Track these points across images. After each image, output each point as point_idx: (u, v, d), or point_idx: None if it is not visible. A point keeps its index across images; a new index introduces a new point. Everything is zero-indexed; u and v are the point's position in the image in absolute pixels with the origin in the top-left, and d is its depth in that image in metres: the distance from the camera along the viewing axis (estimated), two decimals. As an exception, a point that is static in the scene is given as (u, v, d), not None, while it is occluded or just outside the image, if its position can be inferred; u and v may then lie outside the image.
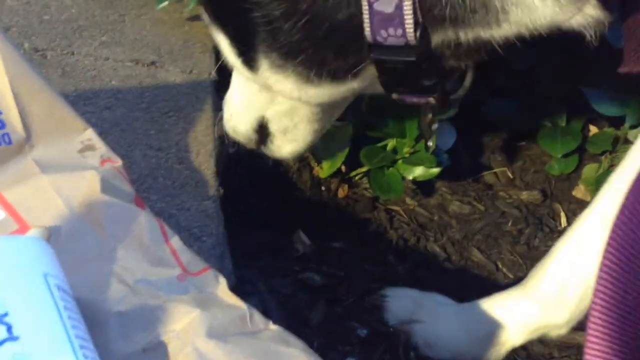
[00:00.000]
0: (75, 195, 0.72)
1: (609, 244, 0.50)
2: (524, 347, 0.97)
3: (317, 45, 0.68)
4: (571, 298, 0.89)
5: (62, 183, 0.73)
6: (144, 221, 0.71)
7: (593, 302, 0.49)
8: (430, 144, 1.05)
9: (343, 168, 1.16)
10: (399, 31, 0.64)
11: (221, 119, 0.96)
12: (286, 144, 0.90)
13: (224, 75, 1.00)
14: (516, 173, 1.33)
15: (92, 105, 1.02)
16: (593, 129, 1.33)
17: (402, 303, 0.98)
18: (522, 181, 1.32)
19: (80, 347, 0.48)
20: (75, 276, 0.61)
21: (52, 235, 0.67)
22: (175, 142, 1.01)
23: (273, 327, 0.60)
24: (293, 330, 0.87)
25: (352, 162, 1.16)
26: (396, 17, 0.63)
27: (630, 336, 0.47)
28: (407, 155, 1.08)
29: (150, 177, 0.93)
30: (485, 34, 0.66)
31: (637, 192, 0.51)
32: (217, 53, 1.08)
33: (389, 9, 0.63)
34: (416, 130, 1.06)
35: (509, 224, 1.23)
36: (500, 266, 1.17)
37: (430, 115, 0.97)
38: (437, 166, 1.09)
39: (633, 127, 1.22)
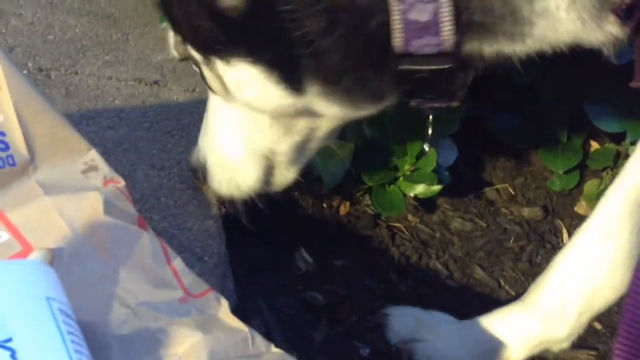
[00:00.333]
0: (78, 217, 0.73)
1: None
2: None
3: (358, 61, 0.68)
4: (571, 312, 0.90)
5: (65, 204, 0.74)
6: (147, 243, 0.72)
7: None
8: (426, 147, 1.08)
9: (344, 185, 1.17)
10: (435, 39, 0.64)
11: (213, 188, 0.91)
12: (290, 172, 0.89)
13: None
14: (517, 189, 1.33)
15: (95, 124, 1.03)
16: (594, 145, 1.34)
17: (404, 321, 0.98)
18: (523, 197, 1.32)
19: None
20: (77, 299, 0.62)
21: (55, 257, 0.67)
22: (178, 162, 1.01)
23: (275, 350, 0.60)
24: (296, 349, 0.87)
25: (354, 179, 1.16)
26: (432, 25, 0.63)
27: None
28: (408, 172, 1.08)
29: (152, 196, 0.93)
30: (508, 47, 0.67)
31: None
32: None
33: (424, 17, 0.63)
34: (417, 147, 1.06)
35: (511, 240, 1.23)
36: (502, 283, 1.17)
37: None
38: (438, 183, 1.10)
39: (634, 143, 1.22)
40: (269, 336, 0.76)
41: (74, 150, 0.80)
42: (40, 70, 1.16)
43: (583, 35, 0.65)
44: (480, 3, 0.63)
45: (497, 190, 1.33)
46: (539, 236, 1.25)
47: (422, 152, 1.05)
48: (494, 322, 0.94)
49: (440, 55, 0.65)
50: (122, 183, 0.80)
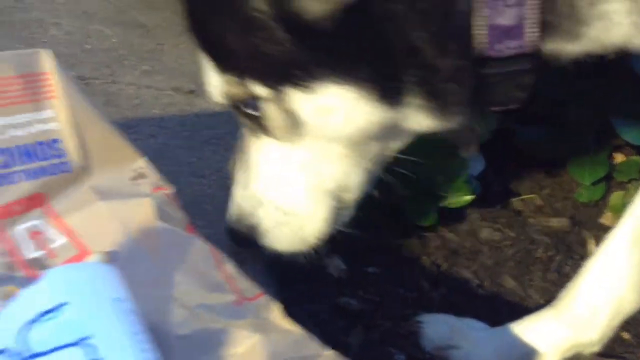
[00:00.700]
0: (132, 222, 0.75)
1: None
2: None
3: (457, 70, 0.67)
4: (602, 317, 0.92)
5: (119, 209, 0.76)
6: (198, 247, 0.74)
7: None
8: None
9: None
10: (518, 42, 0.65)
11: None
12: (353, 205, 0.84)
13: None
14: (545, 200, 1.35)
15: (136, 133, 1.06)
16: (620, 157, 1.36)
17: (438, 329, 1.00)
18: (550, 208, 1.34)
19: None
20: (136, 300, 0.64)
21: (111, 261, 0.70)
22: (217, 170, 1.04)
23: (327, 352, 0.62)
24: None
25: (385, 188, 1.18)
26: (516, 28, 0.65)
27: None
28: (441, 182, 1.10)
29: (195, 204, 0.96)
30: (564, 46, 0.69)
31: None
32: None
33: (509, 21, 0.64)
34: (451, 158, 1.08)
35: (539, 250, 1.25)
36: (531, 292, 1.18)
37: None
38: (470, 194, 1.12)
39: (659, 155, 1.24)
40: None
41: (124, 158, 0.83)
42: (81, 79, 1.19)
43: (634, 40, 0.67)
44: (552, 4, 0.65)
45: (525, 200, 1.35)
46: (566, 246, 1.26)
47: (456, 163, 1.06)
48: (526, 329, 0.96)
49: (520, 57, 0.66)
50: (170, 190, 0.83)
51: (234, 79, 0.72)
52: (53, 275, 0.53)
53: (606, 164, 1.30)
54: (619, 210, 1.25)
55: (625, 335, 1.07)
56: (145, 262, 0.71)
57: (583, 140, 1.30)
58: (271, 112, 0.73)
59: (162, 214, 0.77)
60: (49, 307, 0.50)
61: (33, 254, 0.70)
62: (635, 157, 1.33)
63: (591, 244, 1.27)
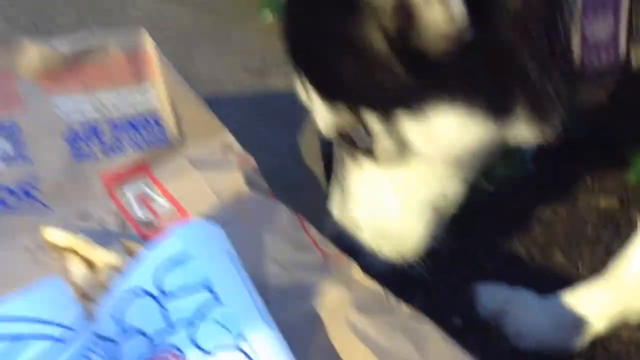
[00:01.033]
0: (224, 189, 0.83)
1: None
2: (603, 346, 1.05)
3: (561, 84, 0.72)
4: None
5: (212, 178, 0.84)
6: (283, 212, 0.82)
7: None
8: None
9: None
10: (610, 54, 0.70)
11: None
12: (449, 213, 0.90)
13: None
14: (595, 180, 1.40)
15: (213, 110, 1.13)
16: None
17: (492, 296, 1.06)
18: (600, 188, 1.39)
19: (265, 314, 0.59)
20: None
21: (208, 223, 0.78)
22: (288, 144, 1.11)
23: (404, 306, 0.70)
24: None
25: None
26: (610, 40, 0.69)
27: None
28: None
29: (270, 176, 1.03)
30: None
31: None
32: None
33: (603, 35, 0.69)
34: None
35: (589, 228, 1.30)
36: (580, 268, 1.24)
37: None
38: (524, 171, 1.17)
39: None
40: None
41: (213, 131, 0.91)
42: (160, 58, 1.27)
43: None
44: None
45: (576, 180, 1.40)
46: (615, 225, 1.31)
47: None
48: (577, 297, 1.02)
49: (612, 67, 0.71)
50: (253, 162, 0.91)
51: (346, 109, 0.77)
52: (178, 230, 0.62)
53: (657, 146, 1.34)
54: (667, 192, 1.30)
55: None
56: (238, 225, 0.79)
57: (636, 122, 1.34)
58: (381, 139, 0.77)
59: (250, 183, 0.85)
60: (177, 257, 0.59)
61: (140, 214, 0.79)
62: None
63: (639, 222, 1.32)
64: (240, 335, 0.55)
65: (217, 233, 0.64)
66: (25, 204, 0.74)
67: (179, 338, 0.54)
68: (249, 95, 1.21)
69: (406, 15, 0.68)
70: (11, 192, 0.73)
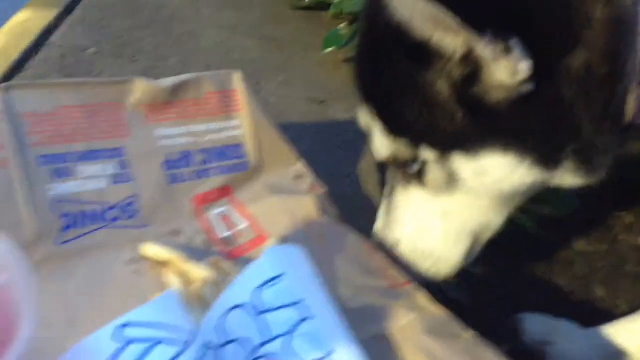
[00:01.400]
0: (298, 214, 0.91)
1: None
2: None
3: (610, 140, 0.77)
4: None
5: (287, 203, 0.92)
6: (353, 238, 0.89)
7: None
8: None
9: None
10: None
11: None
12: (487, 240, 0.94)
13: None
14: (636, 218, 1.45)
15: (284, 139, 1.22)
16: None
17: (537, 326, 1.12)
18: (640, 227, 1.44)
19: (347, 330, 0.66)
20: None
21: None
22: (348, 174, 1.19)
23: (468, 333, 0.76)
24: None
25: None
26: None
27: None
28: (545, 193, 1.22)
29: (333, 201, 1.11)
30: None
31: None
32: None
33: None
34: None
35: (629, 265, 1.35)
36: (619, 303, 1.29)
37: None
38: (572, 206, 1.23)
39: None
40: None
41: (288, 160, 1.00)
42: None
43: None
44: None
45: (615, 217, 1.45)
46: (654, 263, 1.36)
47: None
48: (617, 330, 1.07)
49: None
50: (324, 189, 0.99)
51: (406, 143, 0.82)
52: (272, 252, 0.70)
53: (697, 188, 1.38)
54: None
55: None
56: (311, 247, 0.86)
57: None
58: (433, 171, 0.83)
59: (321, 208, 0.93)
60: (272, 275, 0.66)
61: (224, 233, 0.88)
62: None
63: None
64: (330, 349, 0.62)
65: (303, 255, 0.72)
66: (126, 220, 0.83)
67: (276, 348, 0.62)
68: (312, 124, 1.29)
69: (472, 66, 0.74)
70: (115, 208, 0.82)
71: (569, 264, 1.35)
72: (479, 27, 0.69)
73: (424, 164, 0.82)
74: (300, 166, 1.00)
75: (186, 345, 0.55)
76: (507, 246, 1.35)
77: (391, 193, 0.92)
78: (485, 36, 0.69)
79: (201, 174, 0.90)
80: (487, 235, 0.92)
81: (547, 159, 0.77)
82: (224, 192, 0.91)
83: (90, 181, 0.82)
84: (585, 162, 0.78)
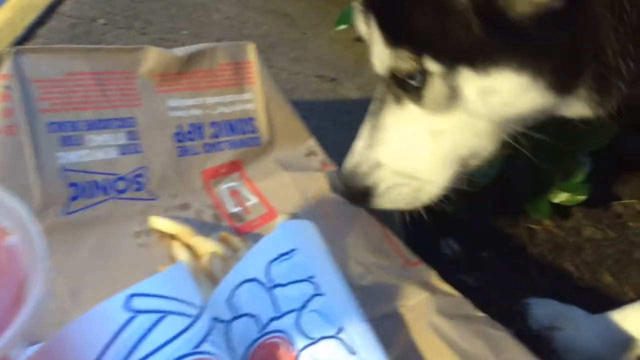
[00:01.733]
0: (309, 190, 0.90)
1: None
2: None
3: (633, 71, 0.71)
4: None
5: (298, 179, 0.91)
6: (365, 217, 0.88)
7: None
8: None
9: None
10: None
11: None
12: (475, 168, 0.87)
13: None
14: (644, 205, 1.44)
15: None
16: None
17: (544, 311, 1.11)
18: (650, 213, 1.43)
19: (358, 308, 0.65)
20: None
21: (294, 221, 0.85)
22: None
23: (480, 313, 0.76)
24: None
25: (502, 181, 1.30)
26: None
27: None
28: (558, 182, 1.21)
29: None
30: None
31: None
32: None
33: None
34: (570, 159, 1.19)
35: (637, 252, 1.35)
36: (628, 290, 1.28)
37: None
38: (583, 194, 1.22)
39: None
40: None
41: (300, 137, 0.98)
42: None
43: None
44: None
45: (625, 205, 1.44)
46: (663, 251, 1.35)
47: (574, 165, 1.17)
48: (626, 316, 1.06)
49: None
50: (335, 168, 0.98)
51: (408, 54, 0.76)
52: (285, 227, 0.69)
53: None
54: None
55: None
56: (321, 225, 0.86)
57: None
58: (434, 86, 0.76)
59: (333, 187, 0.91)
60: (284, 250, 0.65)
61: (233, 209, 0.87)
62: None
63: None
64: (340, 326, 0.62)
65: (315, 231, 0.71)
66: (134, 191, 0.82)
67: (286, 323, 0.61)
68: (322, 102, 1.27)
69: None
70: (124, 179, 0.81)
71: (577, 250, 1.34)
72: None
73: (424, 78, 0.76)
74: (311, 143, 0.98)
75: (195, 318, 0.54)
76: (516, 232, 1.35)
77: (378, 111, 0.87)
78: None
79: (212, 148, 0.88)
80: (474, 163, 0.85)
81: (563, 82, 0.72)
82: (234, 166, 0.89)
83: (99, 150, 0.81)
84: (601, 89, 0.73)
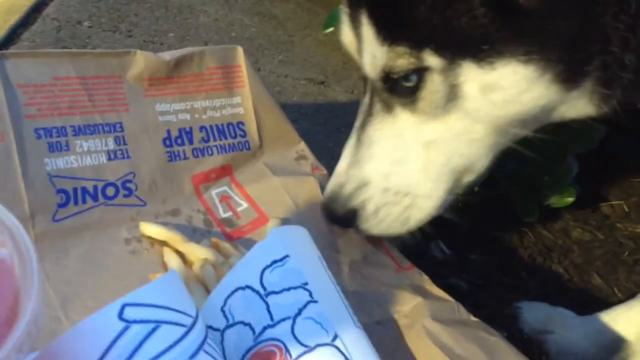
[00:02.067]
0: (300, 195, 0.89)
1: None
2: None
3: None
4: None
5: (289, 184, 0.91)
6: (356, 222, 0.87)
7: None
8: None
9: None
10: None
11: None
12: (468, 186, 0.85)
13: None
14: (631, 207, 1.45)
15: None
16: None
17: (535, 314, 1.11)
18: (637, 215, 1.44)
19: (352, 314, 0.64)
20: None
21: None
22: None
23: (473, 318, 0.75)
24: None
25: (492, 184, 1.30)
26: None
27: None
28: (547, 184, 1.21)
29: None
30: None
31: None
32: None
33: None
34: (559, 160, 1.19)
35: (625, 253, 1.35)
36: (616, 291, 1.29)
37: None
38: (572, 196, 1.22)
39: None
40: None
41: (290, 141, 0.98)
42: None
43: None
44: None
45: (613, 206, 1.45)
46: (651, 252, 1.36)
47: (564, 167, 1.17)
48: (615, 317, 1.06)
49: None
50: (325, 171, 0.97)
51: (405, 49, 0.71)
52: (277, 233, 0.68)
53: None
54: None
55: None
56: (313, 229, 0.85)
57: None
58: (433, 85, 0.72)
59: (322, 190, 0.91)
60: (277, 257, 0.65)
61: (223, 214, 0.86)
62: None
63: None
64: (334, 333, 0.61)
65: (307, 236, 0.70)
66: (123, 197, 0.80)
67: (280, 331, 0.60)
68: (311, 105, 1.27)
69: None
70: (112, 185, 0.80)
71: (566, 252, 1.35)
72: None
73: (421, 77, 0.71)
74: (302, 147, 0.98)
75: (190, 327, 0.53)
76: (505, 234, 1.35)
77: (364, 125, 0.82)
78: None
79: (201, 152, 0.87)
80: (469, 179, 0.81)
81: (571, 73, 0.69)
82: (224, 171, 0.89)
83: (87, 156, 0.79)
84: (606, 82, 0.70)
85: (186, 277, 0.74)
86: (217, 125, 0.89)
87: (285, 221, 0.85)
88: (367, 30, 0.74)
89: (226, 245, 0.79)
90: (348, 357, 0.60)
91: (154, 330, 0.51)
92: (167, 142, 0.85)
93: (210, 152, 0.88)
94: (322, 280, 0.65)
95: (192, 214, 0.84)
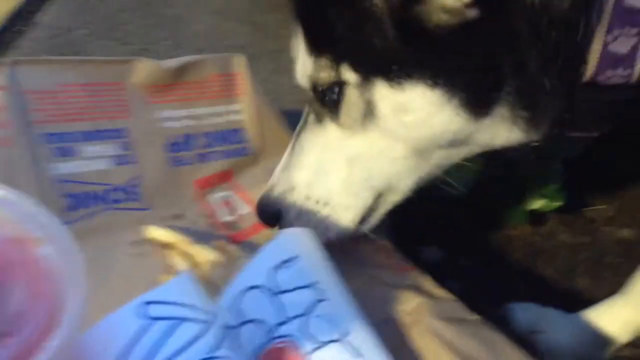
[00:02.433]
0: (300, 199, 0.91)
1: None
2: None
3: (556, 89, 0.67)
4: None
5: (288, 189, 0.92)
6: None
7: None
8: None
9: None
10: (627, 71, 0.67)
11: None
12: (387, 210, 0.84)
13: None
14: (616, 211, 1.49)
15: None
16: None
17: (526, 315, 1.14)
18: (621, 219, 1.48)
19: (361, 313, 0.66)
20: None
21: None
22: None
23: (475, 316, 0.77)
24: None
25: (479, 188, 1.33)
26: (629, 58, 0.66)
27: None
28: (535, 188, 1.24)
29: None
30: None
31: None
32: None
33: (623, 50, 0.66)
34: (548, 168, 1.22)
35: (610, 257, 1.39)
36: (601, 293, 1.32)
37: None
38: (560, 201, 1.26)
39: None
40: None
41: (287, 147, 0.99)
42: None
43: None
44: None
45: (598, 211, 1.48)
46: (635, 255, 1.40)
47: (552, 172, 1.21)
48: (600, 313, 1.09)
49: (624, 86, 0.68)
50: (323, 176, 0.99)
51: (327, 62, 0.74)
52: (286, 234, 0.70)
53: (675, 183, 1.43)
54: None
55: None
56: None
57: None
58: (351, 99, 0.74)
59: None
60: (287, 257, 0.66)
61: (226, 217, 0.87)
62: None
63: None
64: (345, 330, 0.63)
65: (314, 238, 0.72)
66: (129, 202, 0.82)
67: (293, 328, 0.62)
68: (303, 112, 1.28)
69: None
70: (118, 190, 0.82)
71: (553, 255, 1.38)
72: None
73: (341, 90, 0.73)
74: (299, 153, 0.99)
75: (209, 324, 0.54)
76: (494, 239, 1.38)
77: (298, 133, 0.84)
78: None
79: (203, 158, 0.89)
80: (392, 199, 0.81)
81: (478, 100, 0.68)
82: (225, 176, 0.90)
83: (93, 161, 0.81)
84: (526, 106, 0.69)
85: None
86: (219, 131, 0.91)
87: (287, 225, 0.86)
88: (300, 40, 0.78)
89: (232, 248, 0.81)
90: (360, 353, 0.62)
91: (175, 326, 0.52)
92: (171, 147, 0.87)
93: (212, 157, 0.90)
94: (332, 280, 0.67)
95: (196, 217, 0.86)
